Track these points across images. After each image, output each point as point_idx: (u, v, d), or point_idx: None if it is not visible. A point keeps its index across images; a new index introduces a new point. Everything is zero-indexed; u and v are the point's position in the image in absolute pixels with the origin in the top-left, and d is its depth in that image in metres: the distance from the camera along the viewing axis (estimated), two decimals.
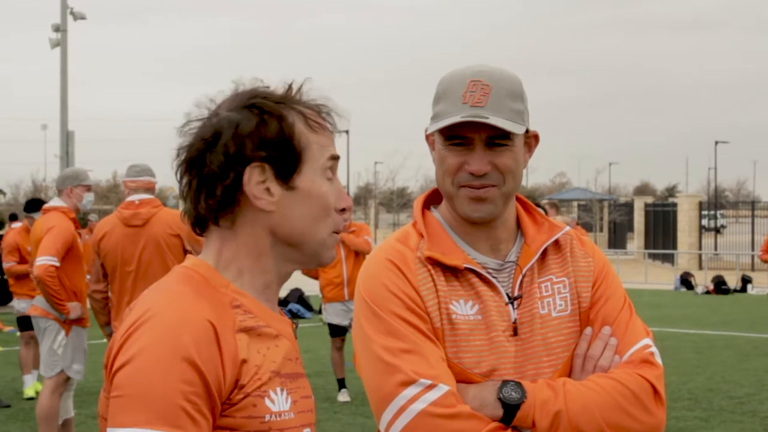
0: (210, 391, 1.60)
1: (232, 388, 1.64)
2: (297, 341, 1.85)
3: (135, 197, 7.06)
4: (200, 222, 1.79)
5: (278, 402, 1.70)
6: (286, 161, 1.74)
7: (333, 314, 10.38)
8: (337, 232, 1.83)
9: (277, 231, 1.77)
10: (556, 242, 2.33)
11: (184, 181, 1.78)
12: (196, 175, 1.75)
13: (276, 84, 1.81)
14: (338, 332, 10.40)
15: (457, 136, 2.18)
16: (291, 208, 1.76)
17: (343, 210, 1.82)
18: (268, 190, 1.74)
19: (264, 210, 1.75)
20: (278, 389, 1.71)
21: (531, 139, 2.29)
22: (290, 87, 1.81)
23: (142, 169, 7.17)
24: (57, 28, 26.70)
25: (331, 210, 1.80)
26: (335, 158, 1.81)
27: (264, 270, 1.79)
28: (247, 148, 1.72)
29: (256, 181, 1.73)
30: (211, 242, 1.79)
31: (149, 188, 7.15)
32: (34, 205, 10.44)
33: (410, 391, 2.06)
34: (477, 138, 2.18)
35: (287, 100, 1.78)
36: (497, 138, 2.18)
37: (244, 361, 1.66)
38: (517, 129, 2.17)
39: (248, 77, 1.82)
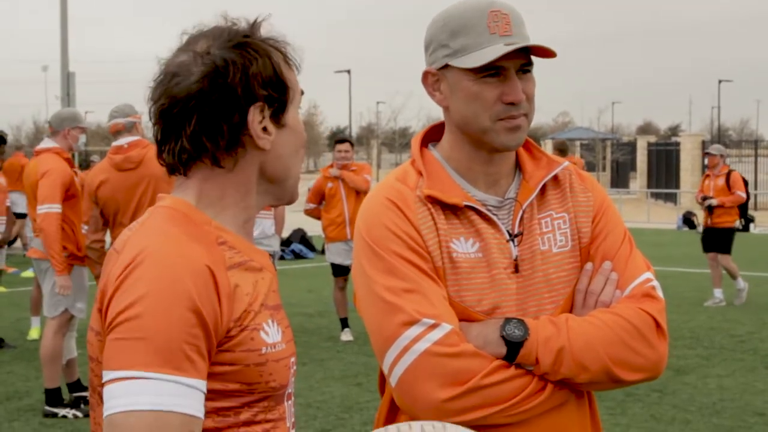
0: (209, 333, 1.61)
1: (230, 326, 1.65)
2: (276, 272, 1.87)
3: (123, 141, 6.95)
4: (185, 162, 1.75)
5: (272, 333, 1.72)
6: (279, 99, 1.77)
7: (335, 254, 10.42)
8: None
9: (267, 168, 1.80)
10: (555, 177, 2.30)
11: (172, 122, 1.73)
12: (194, 116, 1.70)
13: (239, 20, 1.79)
14: (341, 272, 10.44)
15: (492, 68, 2.13)
16: (282, 145, 1.80)
17: None
18: (265, 129, 1.76)
19: (263, 149, 1.76)
20: (269, 321, 1.72)
21: None
22: (255, 24, 1.79)
23: (118, 110, 7.02)
24: None
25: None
26: (302, 94, 1.86)
27: (248, 206, 1.81)
28: (254, 87, 1.73)
29: (258, 120, 1.74)
30: (191, 182, 1.77)
31: (132, 128, 6.99)
32: None
33: (413, 331, 2.05)
34: (512, 67, 2.14)
35: (264, 38, 1.78)
36: (526, 65, 2.16)
37: (237, 297, 1.67)
38: (554, 50, 2.14)
39: (211, 15, 1.80)
